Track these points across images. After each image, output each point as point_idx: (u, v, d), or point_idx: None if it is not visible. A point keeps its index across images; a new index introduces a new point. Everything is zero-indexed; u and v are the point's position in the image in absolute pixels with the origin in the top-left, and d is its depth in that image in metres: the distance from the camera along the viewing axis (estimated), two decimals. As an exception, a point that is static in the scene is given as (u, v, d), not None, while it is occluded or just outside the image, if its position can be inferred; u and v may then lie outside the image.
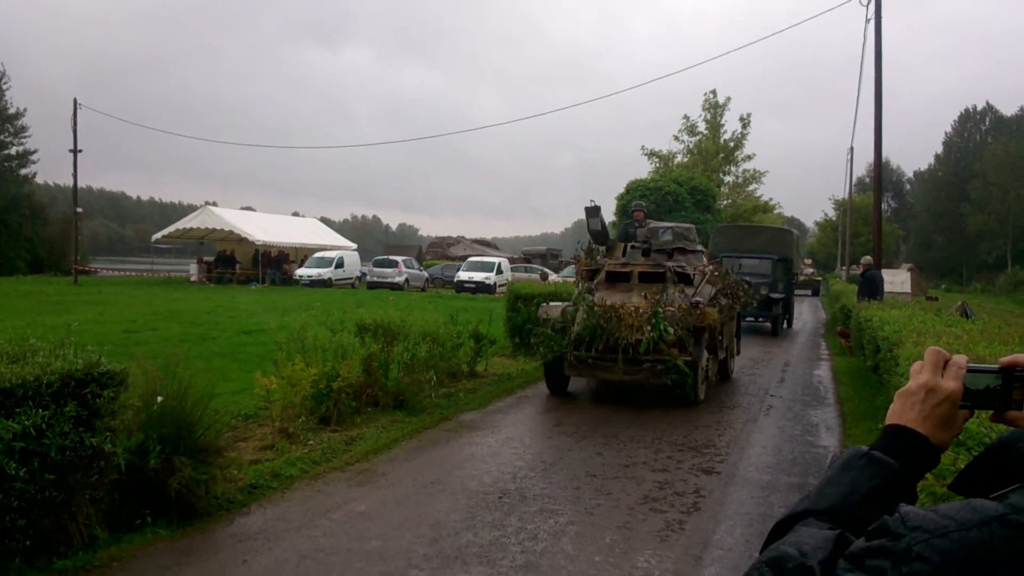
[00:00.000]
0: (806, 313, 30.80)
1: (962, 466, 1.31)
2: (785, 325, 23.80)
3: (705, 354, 10.84)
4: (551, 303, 11.66)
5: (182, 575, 4.97)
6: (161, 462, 5.74)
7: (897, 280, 27.34)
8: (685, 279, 11.50)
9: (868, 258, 18.37)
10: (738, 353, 14.26)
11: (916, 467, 1.26)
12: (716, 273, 12.37)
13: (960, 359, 1.30)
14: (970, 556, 1.00)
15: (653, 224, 13.21)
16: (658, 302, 10.50)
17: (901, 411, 1.30)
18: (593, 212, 12.14)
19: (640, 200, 41.43)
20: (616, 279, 11.77)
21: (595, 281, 11.77)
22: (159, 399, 6.07)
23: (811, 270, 48.57)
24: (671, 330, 10.07)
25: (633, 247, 12.49)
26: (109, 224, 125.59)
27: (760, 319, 22.76)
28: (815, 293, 45.26)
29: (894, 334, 9.18)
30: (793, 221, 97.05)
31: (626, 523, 6.10)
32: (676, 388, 10.37)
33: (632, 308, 10.38)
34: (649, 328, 10.08)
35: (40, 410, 4.74)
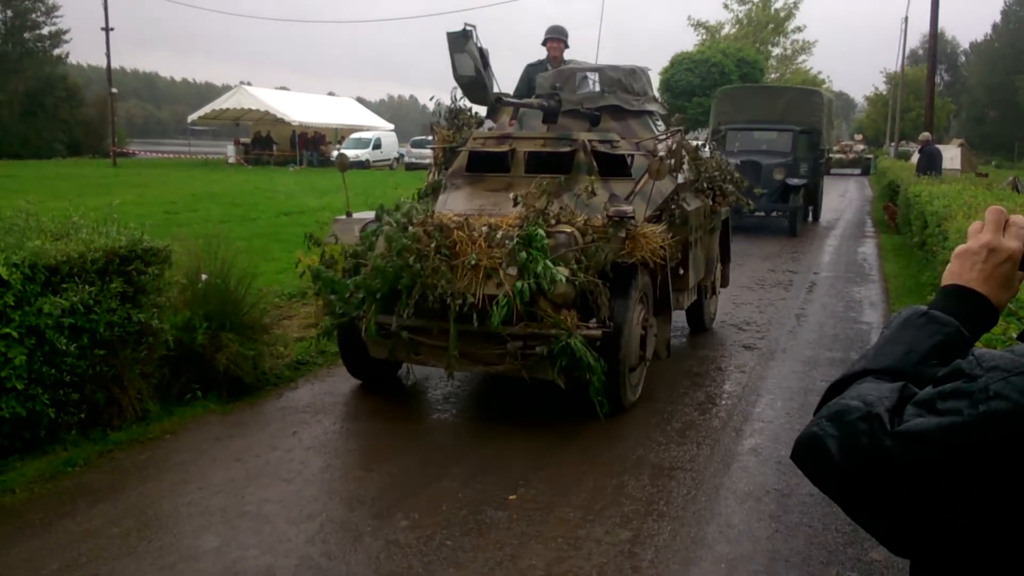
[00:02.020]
0: (852, 191, 30.18)
1: (1014, 334, 1.29)
2: (810, 219, 18.57)
3: (639, 314, 5.75)
4: (353, 214, 6.31)
5: (233, 446, 5.11)
6: (208, 338, 5.84)
7: (947, 156, 26.55)
8: (614, 165, 6.43)
9: (927, 134, 18.08)
10: (725, 285, 8.98)
11: (976, 326, 1.23)
12: (676, 153, 6.39)
13: (1020, 219, 1.26)
14: None
15: (573, 64, 7.61)
16: (542, 215, 5.39)
17: (960, 271, 1.26)
18: (459, 42, 5.98)
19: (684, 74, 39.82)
20: (484, 166, 6.51)
21: (451, 170, 6.66)
22: (203, 277, 6.13)
23: (861, 147, 46.91)
24: (561, 275, 5.04)
25: (523, 105, 7.00)
26: (145, 105, 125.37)
27: (774, 214, 16.87)
28: (865, 172, 41.51)
29: (943, 209, 8.96)
30: (841, 96, 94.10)
31: (668, 397, 6.14)
32: (574, 388, 5.36)
33: (483, 228, 5.35)
34: (515, 272, 5.08)
35: (86, 286, 4.80)
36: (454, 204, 6.11)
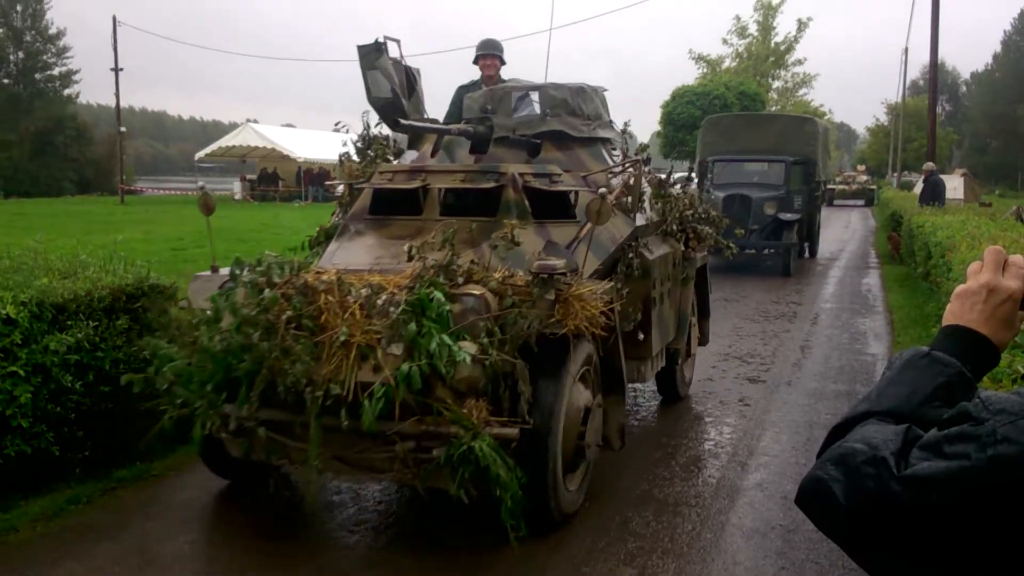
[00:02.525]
0: (856, 222, 30.21)
1: (1020, 368, 1.31)
2: (807, 255, 17.50)
3: (583, 398, 4.50)
4: (219, 269, 4.91)
5: (237, 484, 5.09)
6: (212, 375, 5.84)
7: (950, 186, 26.64)
8: (554, 205, 5.19)
9: (931, 164, 18.17)
10: (704, 343, 7.53)
11: (978, 367, 1.22)
12: (634, 189, 5.37)
13: (1019, 259, 1.26)
14: None
15: (510, 82, 6.43)
16: (444, 271, 4.12)
17: (960, 311, 1.26)
18: (371, 57, 5.32)
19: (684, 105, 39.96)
20: (392, 207, 5.28)
21: (351, 212, 5.40)
22: (208, 313, 6.16)
23: (864, 178, 47.01)
24: (464, 353, 3.77)
25: (440, 132, 5.95)
26: (153, 143, 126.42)
27: (766, 251, 15.71)
28: (869, 203, 40.61)
29: (947, 239, 8.97)
30: (843, 127, 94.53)
31: (671, 431, 6.12)
32: (485, 503, 3.91)
33: (362, 291, 4.06)
34: (400, 350, 3.83)
35: (91, 323, 4.83)
36: (344, 256, 4.81)
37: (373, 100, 5.40)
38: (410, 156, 6.08)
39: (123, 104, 41.87)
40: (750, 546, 4.31)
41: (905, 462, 1.03)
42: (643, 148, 6.21)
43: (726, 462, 5.52)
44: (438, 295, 3.86)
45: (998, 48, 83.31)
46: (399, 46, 5.08)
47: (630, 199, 5.26)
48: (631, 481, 5.13)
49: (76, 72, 56.88)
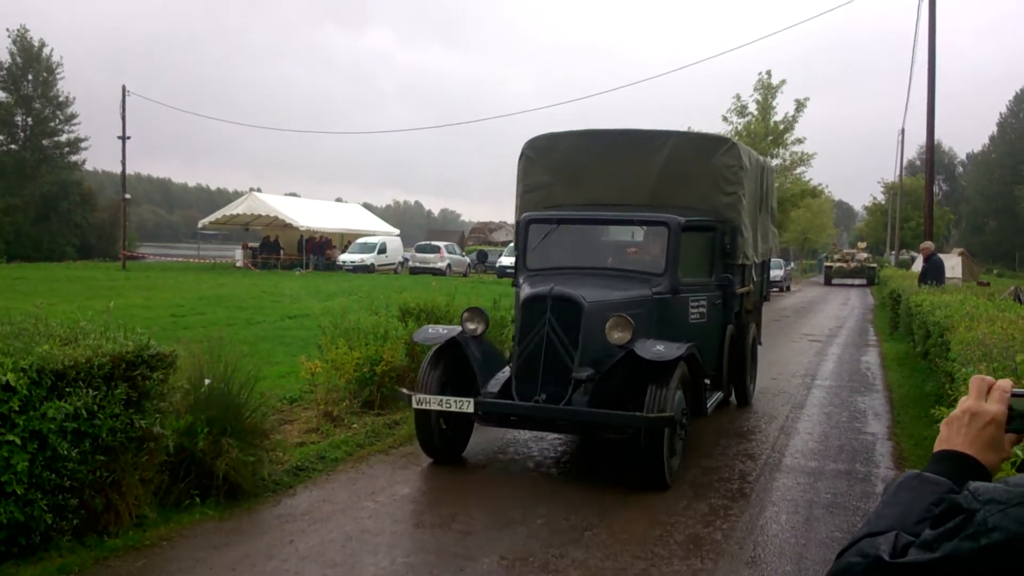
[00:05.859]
0: (854, 299, 30.27)
1: (1019, 452, 1.34)
2: (731, 399, 9.52)
3: None
4: None
5: (230, 555, 5.04)
6: (209, 444, 5.83)
7: (948, 265, 26.82)
8: None
9: (930, 243, 18.31)
10: None
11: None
12: None
13: (1005, 383, 1.32)
14: None
15: None
16: None
17: (948, 437, 1.34)
18: None
19: None
20: None
21: None
22: (206, 382, 6.16)
23: (864, 255, 47.32)
24: None
25: None
26: (156, 210, 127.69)
27: (605, 431, 6.71)
28: (870, 282, 40.79)
29: (945, 319, 9.00)
30: (841, 205, 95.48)
31: (670, 508, 6.06)
32: None
33: None
34: None
35: (90, 391, 4.82)
36: None
37: None
38: None
39: (129, 171, 42.48)
40: (749, 628, 4.23)
41: (903, 554, 1.06)
42: None
43: (723, 540, 5.45)
44: None
45: (994, 130, 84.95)
46: None
47: None
48: (627, 559, 5.06)
49: (84, 140, 57.76)
